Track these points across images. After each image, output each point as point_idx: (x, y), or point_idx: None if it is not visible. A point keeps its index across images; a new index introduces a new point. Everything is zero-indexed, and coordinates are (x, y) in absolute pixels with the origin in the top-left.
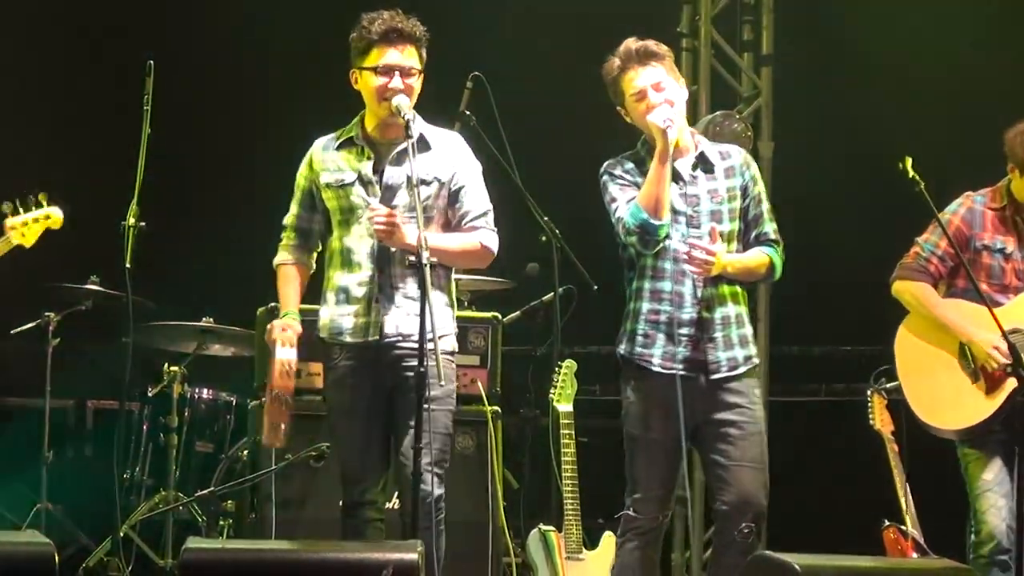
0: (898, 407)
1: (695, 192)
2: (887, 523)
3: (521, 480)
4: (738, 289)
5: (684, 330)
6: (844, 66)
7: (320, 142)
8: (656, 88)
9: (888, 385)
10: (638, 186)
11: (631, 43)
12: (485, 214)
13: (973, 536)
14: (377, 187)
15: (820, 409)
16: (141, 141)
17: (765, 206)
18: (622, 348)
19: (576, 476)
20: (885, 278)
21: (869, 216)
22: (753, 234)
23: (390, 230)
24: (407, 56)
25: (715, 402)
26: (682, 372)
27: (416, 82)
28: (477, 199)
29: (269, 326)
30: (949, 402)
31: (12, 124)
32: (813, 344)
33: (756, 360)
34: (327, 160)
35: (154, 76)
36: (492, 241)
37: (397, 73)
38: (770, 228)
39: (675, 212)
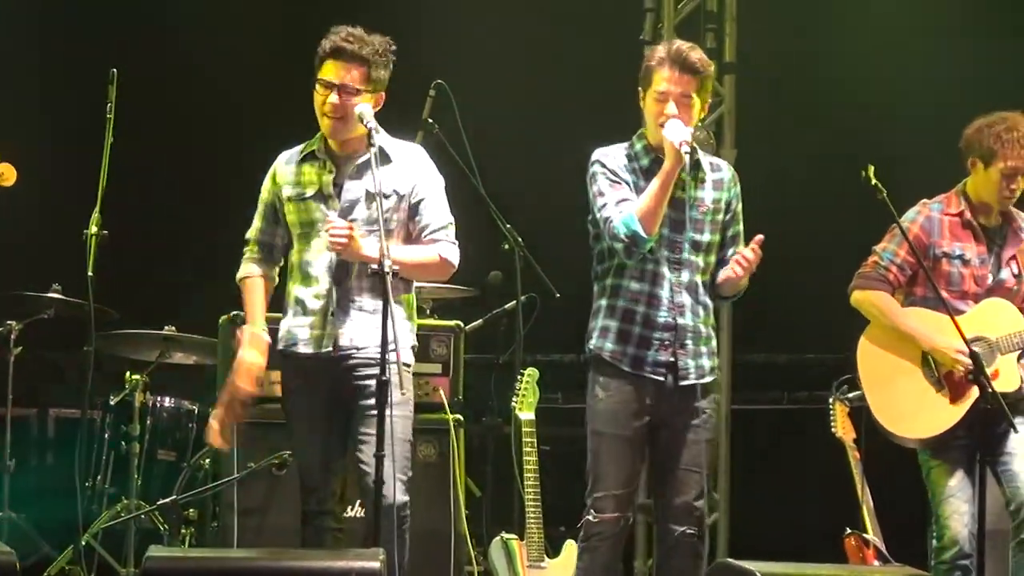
0: (860, 415)
1: (682, 198)
2: (849, 531)
3: (483, 488)
4: (708, 301)
5: (657, 333)
6: (807, 73)
7: (283, 156)
8: (679, 99)
9: (851, 395)
10: (628, 185)
11: (682, 46)
12: (445, 227)
13: (935, 542)
14: (336, 201)
15: (782, 417)
16: (104, 149)
17: (740, 226)
18: (592, 343)
19: (538, 484)
20: (848, 286)
21: (832, 224)
22: (729, 251)
23: (346, 243)
24: (348, 75)
25: (679, 407)
26: (651, 375)
27: (354, 100)
28: (437, 212)
29: (239, 331)
30: (913, 411)
31: None
32: (777, 352)
33: (717, 372)
34: (289, 174)
35: (118, 84)
36: (452, 254)
37: (335, 90)
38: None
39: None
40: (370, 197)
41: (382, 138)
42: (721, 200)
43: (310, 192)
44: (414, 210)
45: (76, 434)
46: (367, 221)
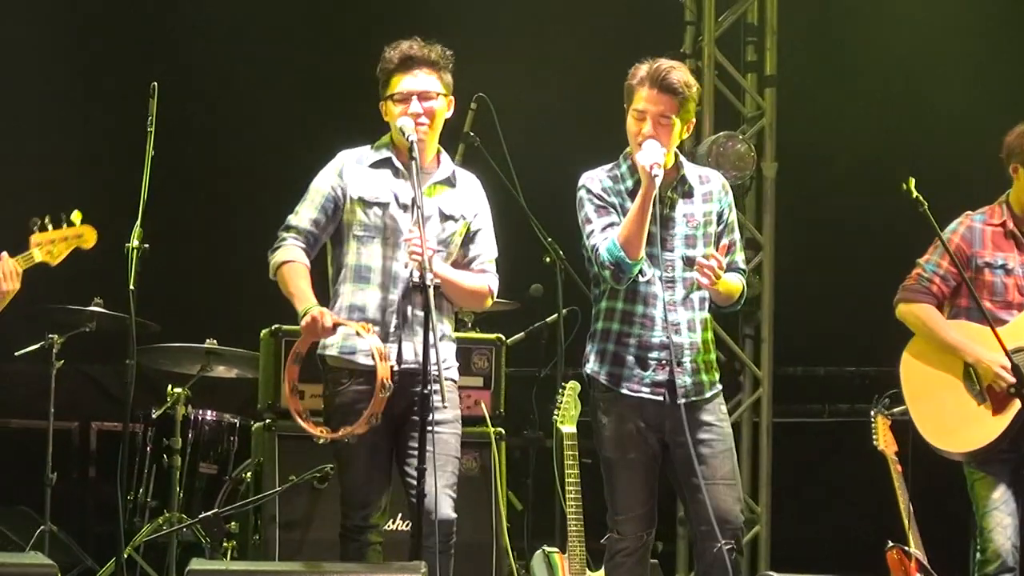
0: (902, 428)
1: (671, 215)
2: (891, 544)
3: (525, 501)
4: (707, 316)
5: (653, 353)
6: (848, 86)
7: (351, 154)
8: (657, 119)
9: (895, 409)
10: (615, 208)
11: (662, 65)
12: (494, 260)
13: (979, 555)
14: (410, 213)
15: (824, 430)
16: (145, 163)
17: (737, 235)
18: (589, 368)
19: (579, 497)
20: (889, 298)
21: (873, 237)
22: (725, 261)
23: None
24: (424, 80)
25: (685, 424)
26: (649, 395)
27: (437, 104)
28: (490, 244)
29: (311, 316)
30: (956, 424)
31: (16, 146)
32: (817, 364)
33: (719, 386)
34: (360, 175)
35: (160, 98)
36: (496, 287)
37: (415, 98)
38: (740, 257)
39: (648, 233)
40: (444, 217)
41: (447, 161)
42: (712, 212)
43: (384, 199)
44: (470, 238)
45: (118, 447)
46: (438, 241)
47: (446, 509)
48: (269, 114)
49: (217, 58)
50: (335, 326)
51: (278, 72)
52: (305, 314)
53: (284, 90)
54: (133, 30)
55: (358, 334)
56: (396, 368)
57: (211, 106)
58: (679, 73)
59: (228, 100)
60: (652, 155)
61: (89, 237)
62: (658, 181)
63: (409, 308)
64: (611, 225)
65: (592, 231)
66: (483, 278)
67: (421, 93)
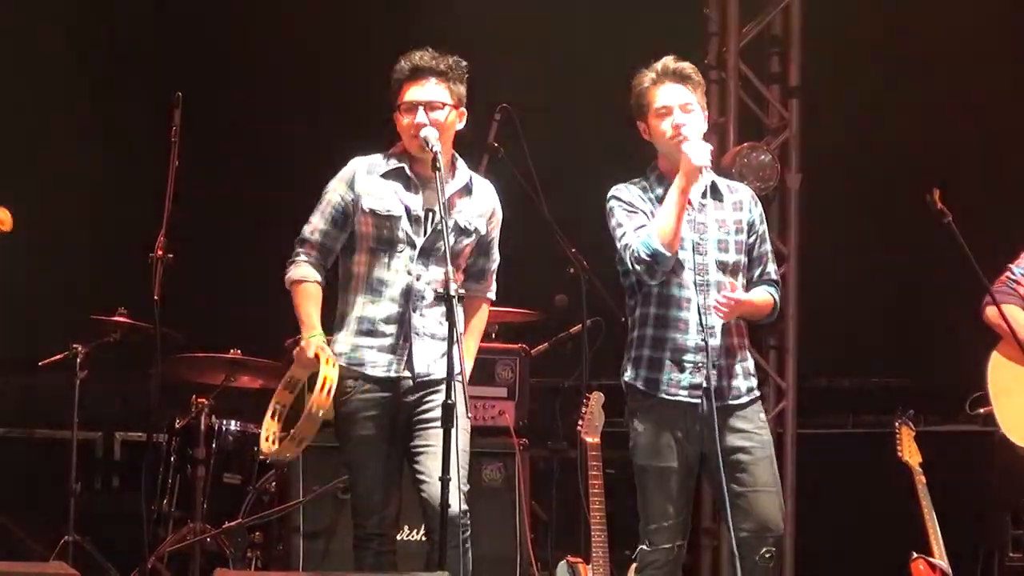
0: (927, 439)
1: (703, 220)
2: (915, 555)
3: (549, 512)
4: (741, 321)
5: (689, 356)
6: (874, 96)
7: (362, 163)
8: (684, 109)
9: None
10: (645, 213)
11: (669, 60)
12: (495, 268)
13: None
14: (423, 227)
15: (847, 441)
16: (169, 173)
17: (768, 246)
18: (627, 376)
19: (604, 508)
20: (914, 309)
21: (898, 247)
22: (757, 272)
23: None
24: (431, 90)
25: (721, 431)
26: (687, 399)
27: (442, 115)
28: (496, 253)
29: (303, 343)
30: None
31: (41, 155)
32: (841, 375)
33: (757, 392)
34: (372, 185)
35: (185, 108)
36: (494, 294)
37: (421, 108)
38: (772, 268)
39: (682, 239)
40: (460, 231)
41: (464, 169)
42: (743, 220)
43: (396, 211)
44: (481, 249)
45: (142, 457)
46: (452, 252)
47: (458, 502)
48: (298, 125)
49: (246, 65)
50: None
51: (308, 81)
52: (307, 343)
53: (313, 100)
54: (159, 34)
55: (320, 363)
56: (406, 379)
57: (238, 116)
58: (686, 62)
59: (257, 110)
60: (704, 153)
61: (4, 218)
62: (705, 175)
63: (419, 320)
64: (642, 227)
65: (624, 232)
66: (482, 312)
67: (427, 103)
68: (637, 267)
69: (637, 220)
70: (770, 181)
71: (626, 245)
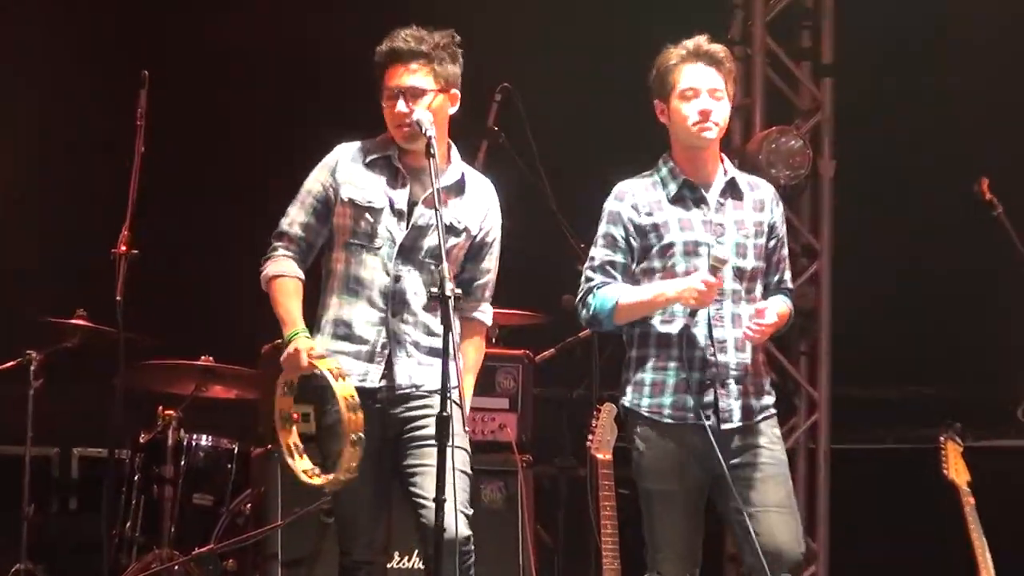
0: (976, 455)
1: (720, 220)
2: None
3: (555, 537)
4: None
5: (696, 374)
6: (914, 75)
7: (346, 150)
8: (712, 94)
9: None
10: (631, 246)
11: (702, 40)
12: (490, 285)
13: None
14: (406, 222)
15: (887, 457)
16: (134, 160)
17: (786, 251)
18: (628, 400)
19: (616, 531)
20: (960, 310)
21: (939, 247)
22: (774, 279)
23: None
24: (412, 76)
25: (729, 450)
26: (694, 421)
27: (425, 102)
28: (492, 264)
29: (290, 347)
30: None
31: None
32: (879, 387)
33: (773, 410)
34: (355, 174)
35: (152, 94)
36: (490, 319)
37: (403, 95)
38: (788, 276)
39: (697, 244)
40: (449, 230)
41: (458, 163)
42: (763, 222)
43: (377, 203)
44: (474, 254)
45: (103, 476)
46: (434, 253)
47: (462, 527)
48: (272, 114)
49: (217, 52)
50: (311, 366)
51: (283, 70)
52: (289, 342)
53: (287, 89)
54: (126, 20)
55: (329, 381)
56: (386, 390)
57: (211, 102)
58: (719, 45)
59: (229, 97)
60: (711, 296)
61: None
62: (704, 309)
63: (401, 326)
64: (611, 265)
65: (593, 263)
66: (479, 337)
67: (407, 90)
68: (580, 310)
69: (612, 256)
70: (801, 169)
71: (588, 279)
